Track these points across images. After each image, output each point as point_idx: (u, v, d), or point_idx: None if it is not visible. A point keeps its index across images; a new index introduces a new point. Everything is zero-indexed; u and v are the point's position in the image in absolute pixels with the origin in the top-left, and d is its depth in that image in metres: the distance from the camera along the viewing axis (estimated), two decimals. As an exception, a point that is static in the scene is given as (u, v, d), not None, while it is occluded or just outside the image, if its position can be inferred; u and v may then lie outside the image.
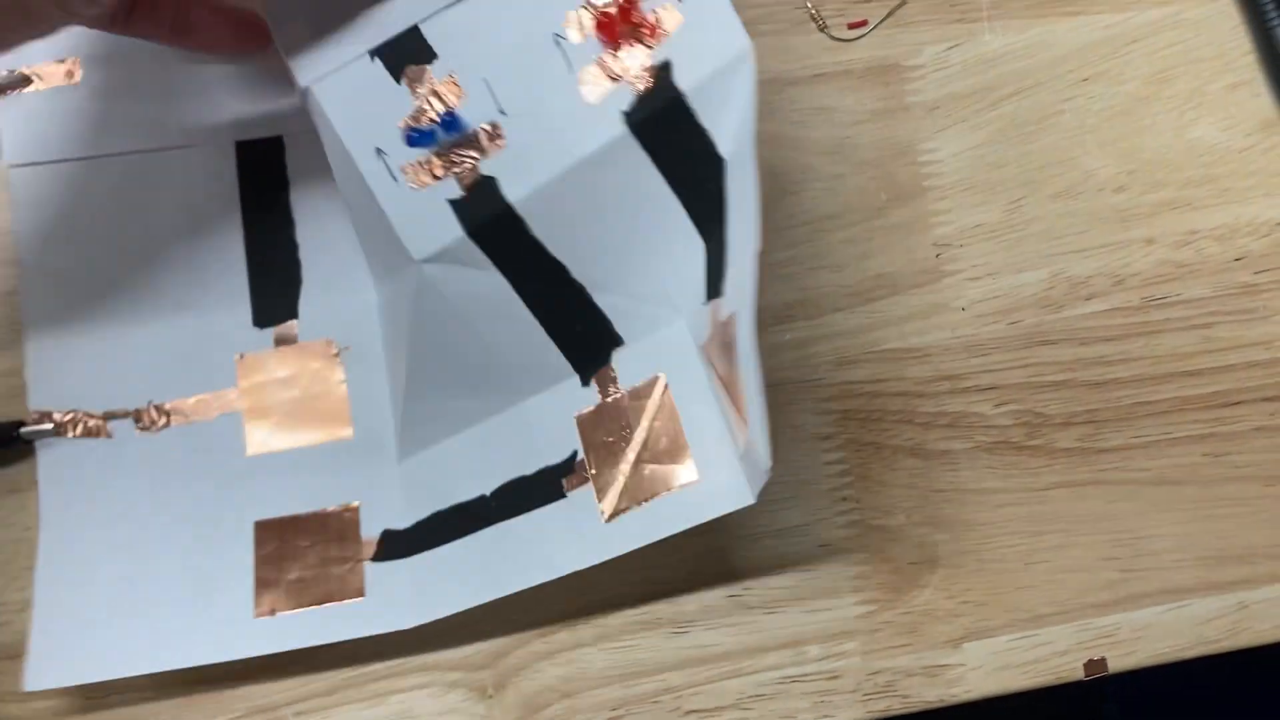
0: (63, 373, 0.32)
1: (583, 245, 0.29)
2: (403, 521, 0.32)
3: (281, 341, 0.33)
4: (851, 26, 0.35)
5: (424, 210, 0.29)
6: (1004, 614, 0.33)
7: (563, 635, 0.33)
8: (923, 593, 0.33)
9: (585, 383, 0.31)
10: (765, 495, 0.32)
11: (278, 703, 0.32)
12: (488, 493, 0.31)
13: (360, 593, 0.31)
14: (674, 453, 0.30)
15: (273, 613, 0.31)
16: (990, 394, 0.34)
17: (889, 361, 0.34)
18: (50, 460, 0.32)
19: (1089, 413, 0.34)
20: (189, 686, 0.32)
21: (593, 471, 0.30)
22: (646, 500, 0.30)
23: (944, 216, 0.34)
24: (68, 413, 0.32)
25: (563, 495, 0.30)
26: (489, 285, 0.29)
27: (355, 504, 0.32)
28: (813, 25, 0.35)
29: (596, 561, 0.29)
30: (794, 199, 0.34)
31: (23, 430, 0.32)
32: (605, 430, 0.30)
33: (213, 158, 0.33)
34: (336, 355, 0.33)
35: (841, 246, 0.34)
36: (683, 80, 0.28)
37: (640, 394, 0.30)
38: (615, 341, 0.31)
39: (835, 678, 0.33)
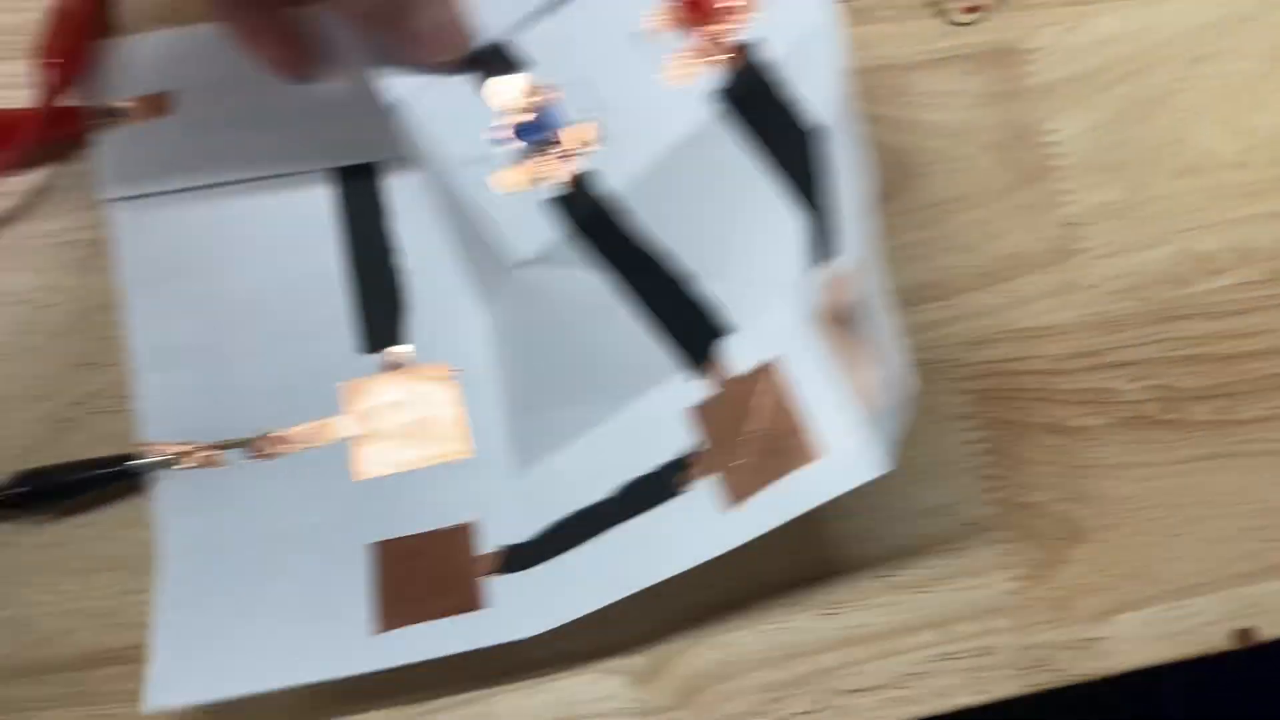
0: (173, 406, 0.32)
1: (684, 232, 0.30)
2: (523, 535, 0.32)
3: (390, 366, 0.33)
4: (967, 11, 0.35)
5: (520, 216, 0.29)
6: (1151, 586, 0.33)
7: (715, 621, 0.33)
8: (1069, 567, 0.33)
9: (695, 375, 0.31)
10: (908, 473, 0.33)
11: (430, 698, 0.32)
12: (607, 496, 0.31)
13: (480, 605, 0.31)
14: (794, 433, 0.29)
15: (392, 629, 0.31)
16: (1125, 369, 0.34)
17: (1024, 340, 0.34)
18: (166, 490, 0.32)
19: (1223, 386, 0.34)
20: (335, 685, 0.32)
21: (709, 462, 0.30)
22: (769, 484, 0.29)
23: (1069, 196, 0.35)
24: (181, 444, 0.32)
25: (681, 490, 0.30)
26: (590, 285, 0.30)
27: (472, 520, 0.32)
28: (930, 11, 0.35)
29: (721, 551, 0.29)
30: (921, 182, 0.35)
31: (136, 463, 0.32)
32: (719, 420, 0.30)
33: (311, 185, 0.33)
34: (450, 378, 0.33)
35: (970, 227, 0.35)
36: (767, 53, 0.28)
37: (752, 378, 0.30)
38: (722, 330, 0.31)
39: (988, 654, 0.33)
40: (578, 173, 0.29)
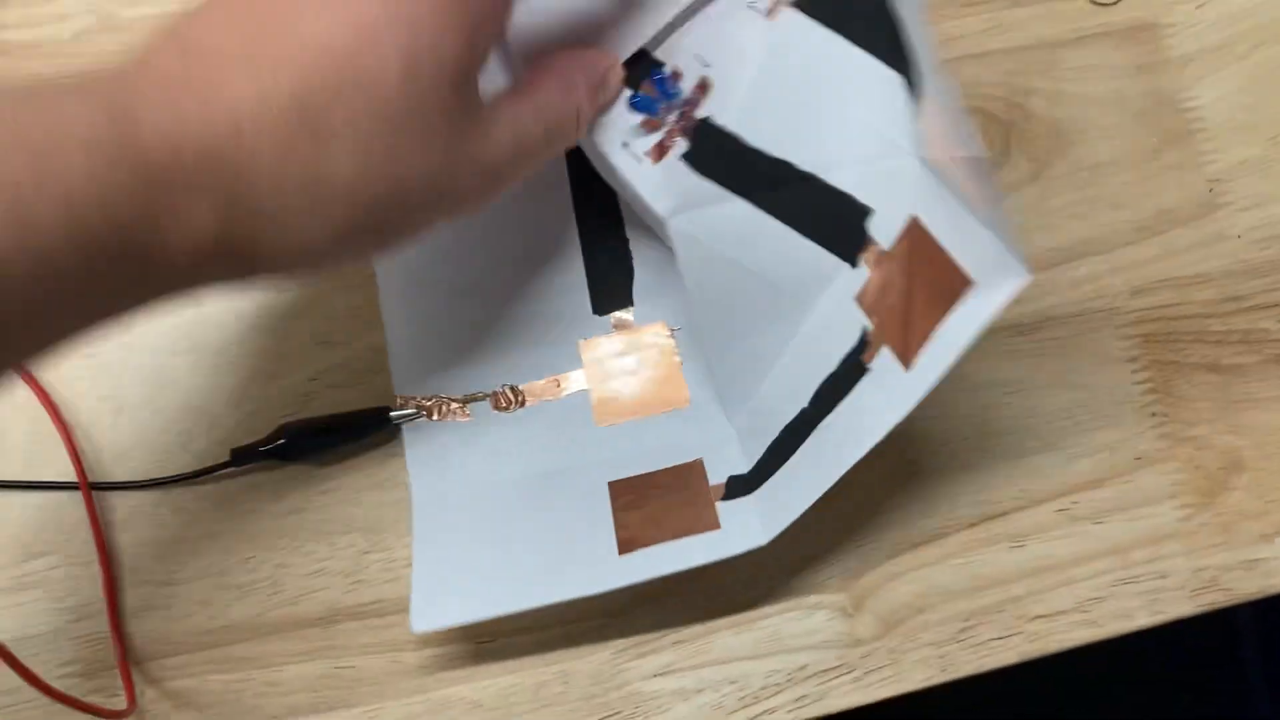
0: (422, 362, 0.36)
1: (798, 134, 0.31)
2: (743, 467, 0.35)
3: (619, 326, 0.36)
4: (1107, -7, 0.39)
5: (666, 176, 0.32)
6: (1309, 509, 0.36)
7: (908, 557, 0.36)
8: (1233, 494, 0.36)
9: (854, 264, 0.32)
10: (1080, 413, 0.35)
11: (652, 636, 0.35)
12: (806, 404, 0.33)
13: (715, 525, 0.34)
14: (946, 274, 0.29)
15: (634, 549, 0.34)
16: (1273, 311, 0.37)
17: (1178, 288, 0.37)
18: (416, 440, 0.36)
19: (1363, 322, 0.37)
20: (565, 626, 0.35)
21: (882, 335, 0.31)
22: (936, 328, 0.29)
23: (1212, 155, 0.38)
24: (429, 398, 0.36)
25: (865, 370, 0.31)
26: (735, 213, 0.32)
27: (698, 458, 0.35)
28: (1073, -7, 0.39)
29: (910, 407, 0.29)
30: (1077, 147, 0.38)
31: (391, 414, 0.35)
32: (885, 294, 0.31)
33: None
34: (671, 335, 0.36)
35: (1124, 187, 0.38)
36: None
37: (900, 245, 0.30)
38: (864, 212, 0.31)
39: (1163, 577, 0.36)
40: (698, 121, 0.31)
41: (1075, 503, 0.36)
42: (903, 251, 0.30)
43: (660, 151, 0.32)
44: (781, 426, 0.33)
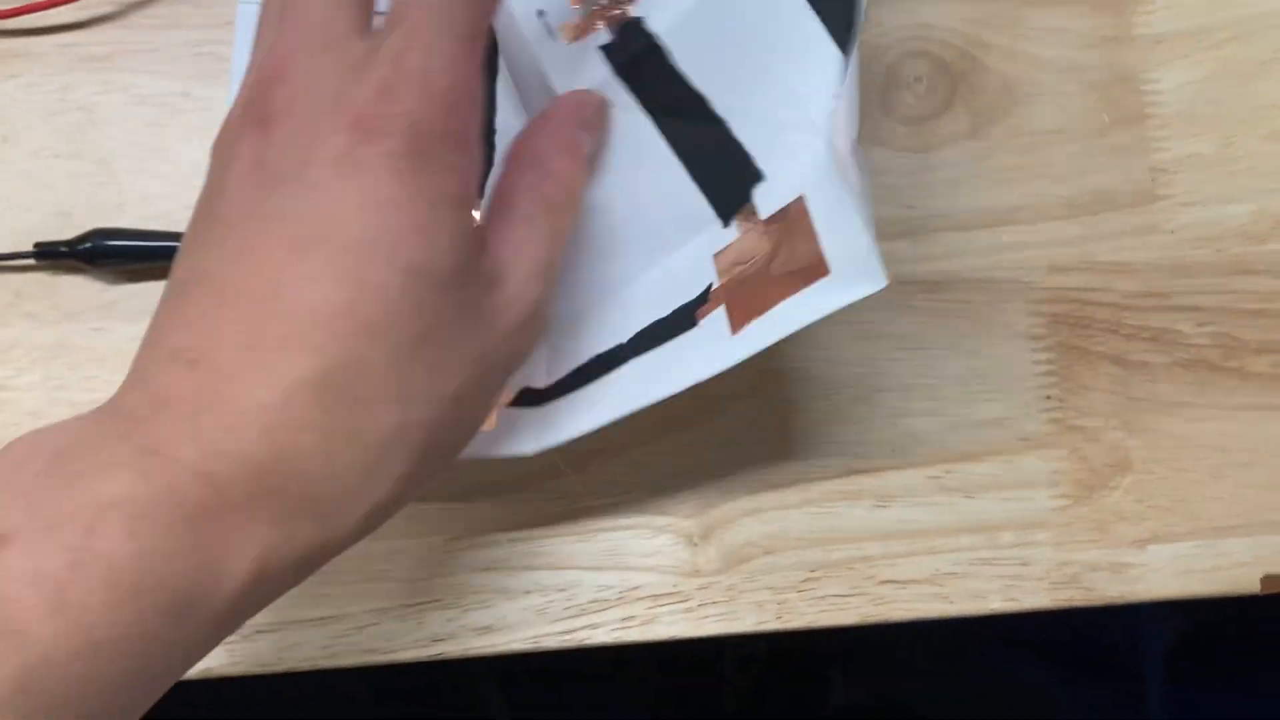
0: None
1: (724, 73, 0.30)
2: (544, 382, 0.32)
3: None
4: (1088, -42, 0.37)
5: (576, 61, 0.30)
6: (1188, 522, 0.35)
7: (768, 496, 0.34)
8: (1113, 494, 0.35)
9: (727, 223, 0.31)
10: (973, 382, 0.34)
11: (491, 527, 0.34)
12: (625, 340, 0.31)
13: (491, 425, 0.31)
14: (808, 258, 0.28)
15: None
16: (1192, 314, 0.35)
17: (1100, 273, 0.35)
18: None
19: (1283, 343, 0.36)
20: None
21: (723, 296, 0.30)
22: (777, 304, 0.28)
23: (1161, 144, 0.36)
24: None
25: (694, 324, 0.30)
26: (633, 127, 0.30)
27: None
28: (1052, -48, 0.37)
29: (719, 368, 0.29)
30: (1023, 110, 0.36)
31: None
32: (742, 260, 0.30)
33: None
34: None
35: (1064, 160, 0.36)
36: None
37: (777, 218, 0.30)
38: (756, 177, 0.30)
39: (1025, 564, 0.34)
40: (629, 17, 0.30)
41: (949, 472, 0.35)
42: (777, 226, 0.29)
43: (577, 32, 0.30)
44: (592, 354, 0.32)
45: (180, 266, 0.24)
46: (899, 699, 0.80)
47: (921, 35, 0.36)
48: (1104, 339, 0.35)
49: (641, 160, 0.31)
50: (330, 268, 0.22)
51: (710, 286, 0.30)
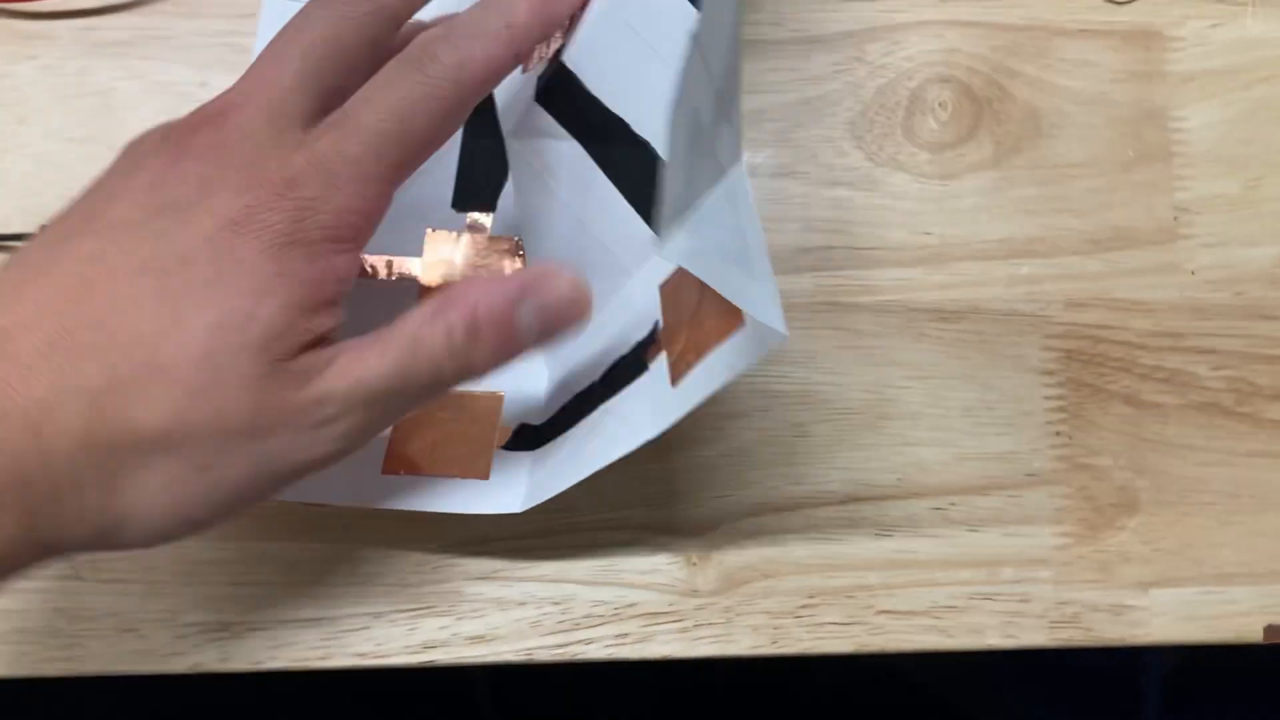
0: None
1: (636, 95, 0.29)
2: (540, 419, 0.33)
3: (473, 228, 0.34)
4: (1122, -10, 0.36)
5: (520, 90, 0.30)
6: (1194, 567, 0.34)
7: (770, 519, 0.34)
8: (1119, 534, 0.34)
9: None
10: (982, 415, 0.34)
11: (489, 536, 0.34)
12: (597, 379, 0.31)
13: (485, 475, 0.32)
14: (718, 304, 0.27)
15: (398, 473, 0.32)
16: (1208, 357, 0.35)
17: (1117, 310, 0.35)
18: None
19: (1299, 390, 0.35)
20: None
21: (665, 339, 0.29)
22: (705, 355, 0.27)
23: (1186, 183, 0.36)
24: None
25: (645, 368, 0.30)
26: (569, 154, 0.30)
27: (500, 393, 0.33)
28: (1086, -17, 0.36)
29: (663, 428, 0.27)
30: (1048, 142, 0.35)
31: None
32: (683, 293, 0.29)
33: None
34: (520, 253, 0.34)
35: (1086, 194, 0.35)
36: None
37: None
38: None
39: (1025, 601, 0.34)
40: (556, 54, 0.29)
41: (954, 504, 0.34)
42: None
43: (529, 60, 0.30)
44: (575, 393, 0.32)
45: (38, 244, 0.25)
46: (885, 662, 0.80)
47: (948, 60, 0.36)
48: (1117, 377, 0.35)
49: (584, 185, 0.30)
50: (154, 302, 0.23)
51: (656, 325, 0.30)
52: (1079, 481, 0.34)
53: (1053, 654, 0.34)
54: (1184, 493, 0.35)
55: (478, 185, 0.34)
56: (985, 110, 0.36)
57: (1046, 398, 0.35)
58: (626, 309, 0.31)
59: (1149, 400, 0.35)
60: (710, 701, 0.79)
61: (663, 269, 0.30)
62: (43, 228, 0.25)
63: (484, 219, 0.34)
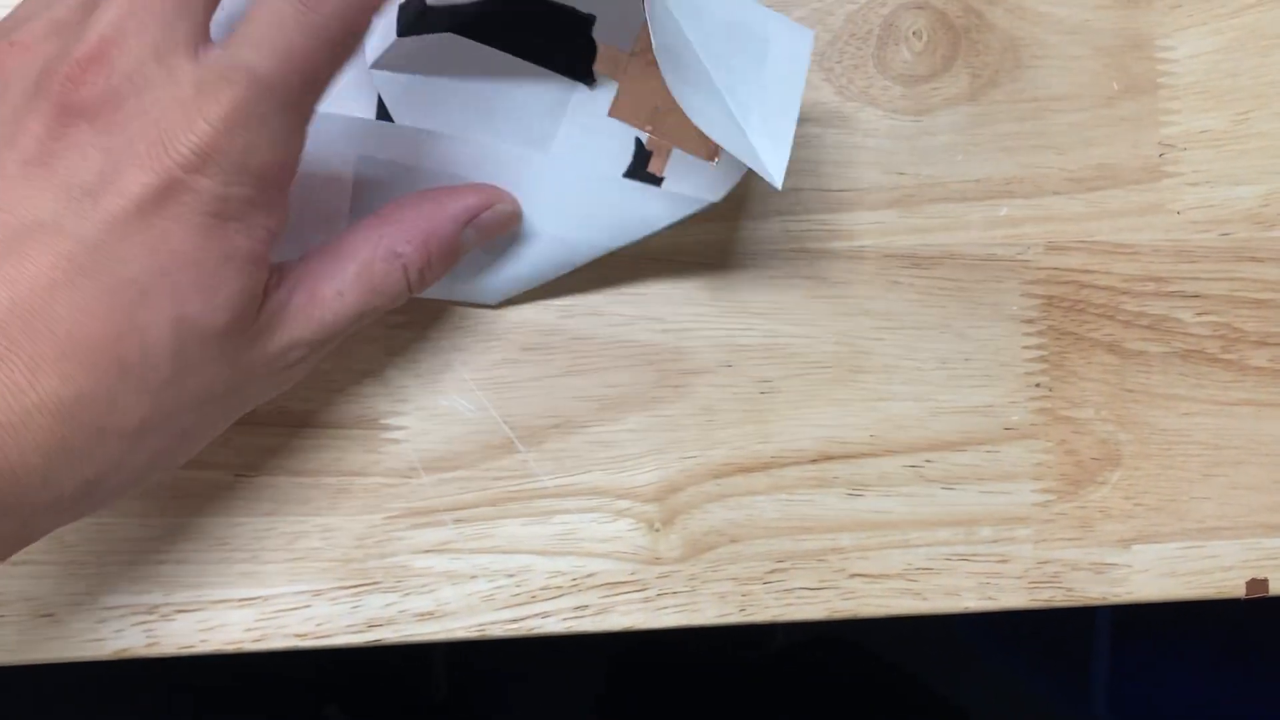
0: None
1: None
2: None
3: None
4: (1106, -91, 0.34)
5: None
6: (1176, 522, 0.33)
7: (737, 480, 0.32)
8: (1100, 489, 0.33)
9: (591, 81, 0.29)
10: (959, 366, 0.32)
11: (436, 507, 0.31)
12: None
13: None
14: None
15: None
16: (1193, 302, 0.33)
17: (1099, 254, 0.33)
18: None
19: (1285, 336, 0.34)
20: (340, 477, 0.31)
21: (670, 136, 0.29)
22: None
23: (1172, 117, 0.34)
24: None
25: (659, 181, 0.29)
26: (455, 47, 0.28)
27: None
28: (1068, -99, 0.34)
29: (722, 194, 0.29)
30: (1028, 74, 0.33)
31: None
32: (647, 97, 0.29)
33: None
34: None
35: (1067, 130, 0.33)
36: None
37: (642, 37, 0.28)
38: (587, 21, 0.29)
39: (1004, 561, 0.32)
40: None
41: (929, 461, 0.32)
42: (648, 44, 0.26)
43: None
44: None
45: None
46: (843, 636, 0.80)
47: (924, -15, 0.33)
48: (1100, 324, 0.33)
49: (474, 63, 0.28)
50: (101, 302, 0.22)
51: (640, 142, 0.29)
52: (1059, 435, 0.33)
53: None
54: (1167, 445, 0.33)
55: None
56: (962, 40, 0.33)
57: (1026, 348, 0.33)
58: (570, 168, 0.30)
59: (1133, 348, 0.33)
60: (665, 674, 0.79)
61: (598, 98, 0.29)
62: None
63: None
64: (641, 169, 0.29)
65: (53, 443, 0.22)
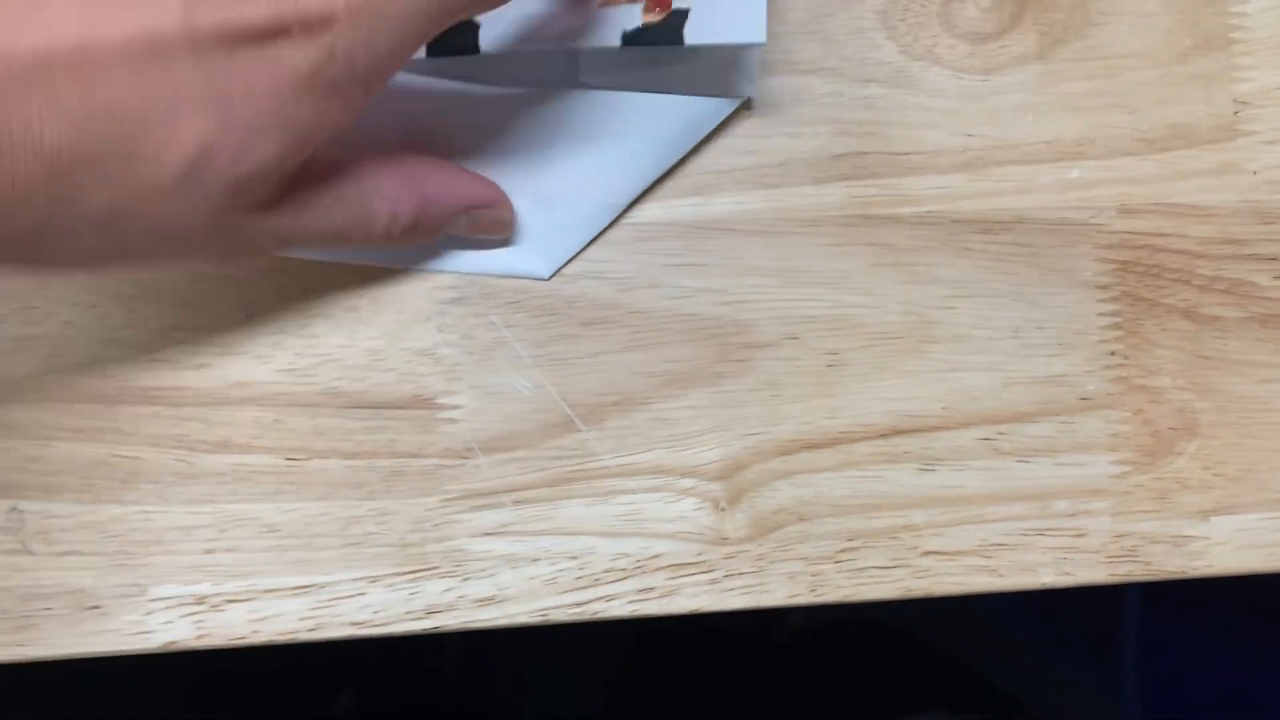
0: None
1: None
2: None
3: None
4: None
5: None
6: (1256, 492, 0.32)
7: (804, 456, 0.31)
8: (1178, 460, 0.32)
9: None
10: (1032, 336, 0.31)
11: (494, 488, 0.30)
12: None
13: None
14: None
15: None
16: (1270, 265, 0.32)
17: (1174, 216, 0.32)
18: None
19: (1365, 298, 0.33)
20: (395, 459, 0.30)
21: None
22: None
23: (1247, 73, 0.32)
24: None
25: (685, 16, 0.28)
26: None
27: None
28: None
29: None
30: (1098, 30, 0.32)
31: None
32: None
33: None
34: None
35: (1139, 89, 0.32)
36: None
37: None
38: None
39: (1081, 535, 0.31)
40: None
41: (1003, 434, 0.31)
42: None
43: None
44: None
45: None
46: (863, 615, 0.79)
47: (989, -61, 0.32)
48: (1176, 290, 0.32)
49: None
50: (154, 88, 0.21)
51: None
52: (1135, 404, 0.32)
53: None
54: (1245, 413, 0.32)
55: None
56: (1029, -4, 0.32)
57: (1100, 314, 0.32)
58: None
59: (1209, 314, 0.32)
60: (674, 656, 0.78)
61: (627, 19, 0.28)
62: None
63: None
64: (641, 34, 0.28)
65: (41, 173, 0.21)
